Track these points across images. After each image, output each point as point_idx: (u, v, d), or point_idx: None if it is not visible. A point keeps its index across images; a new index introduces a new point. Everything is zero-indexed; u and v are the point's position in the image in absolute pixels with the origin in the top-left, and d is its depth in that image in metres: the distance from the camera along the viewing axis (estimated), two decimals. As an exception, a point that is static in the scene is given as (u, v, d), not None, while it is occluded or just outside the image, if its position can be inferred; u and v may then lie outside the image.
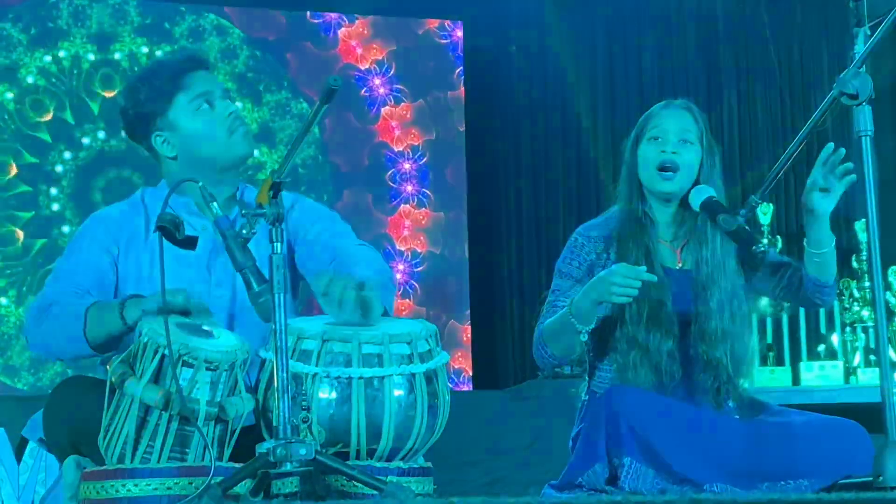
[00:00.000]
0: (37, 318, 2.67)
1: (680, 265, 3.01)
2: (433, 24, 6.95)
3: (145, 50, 6.42)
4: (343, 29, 6.79)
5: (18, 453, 4.64)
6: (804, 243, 2.98)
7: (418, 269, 6.76)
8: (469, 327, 6.76)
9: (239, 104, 2.77)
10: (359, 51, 6.82)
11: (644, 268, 2.73)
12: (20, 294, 6.12)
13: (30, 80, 6.24)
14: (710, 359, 2.91)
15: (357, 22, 6.81)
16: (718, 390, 2.92)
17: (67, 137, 6.29)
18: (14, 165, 6.20)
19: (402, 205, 6.79)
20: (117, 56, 6.39)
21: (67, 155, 6.27)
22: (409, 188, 6.82)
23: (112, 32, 6.40)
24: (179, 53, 2.91)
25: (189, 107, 2.78)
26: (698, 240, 2.98)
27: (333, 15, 6.79)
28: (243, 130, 2.79)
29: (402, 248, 6.76)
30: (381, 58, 6.83)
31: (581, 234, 3.02)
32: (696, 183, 2.98)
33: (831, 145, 2.82)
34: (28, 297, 6.05)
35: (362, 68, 6.80)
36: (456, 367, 6.62)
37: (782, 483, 2.70)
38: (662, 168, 2.94)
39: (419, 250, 6.77)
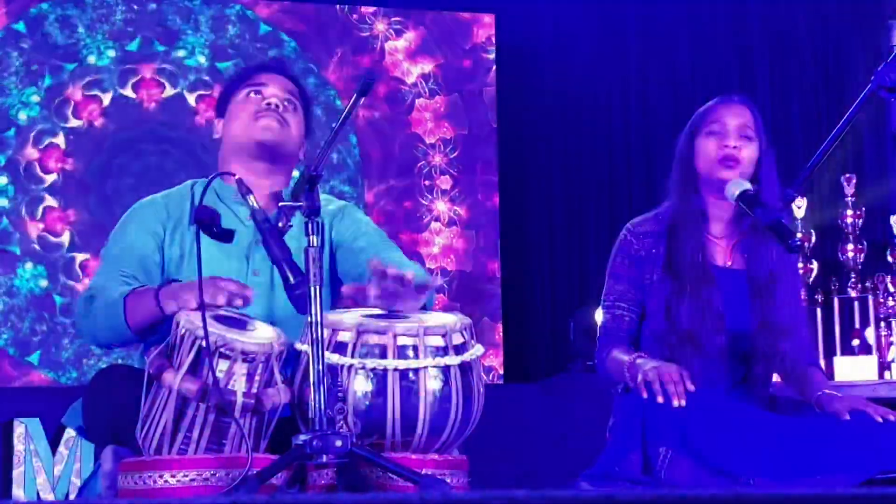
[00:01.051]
0: (84, 309, 2.71)
1: (728, 264, 3.00)
2: (481, 37, 6.93)
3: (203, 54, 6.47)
4: (390, 42, 6.81)
5: (53, 444, 4.68)
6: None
7: (448, 278, 6.75)
8: (500, 325, 6.75)
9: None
10: (405, 65, 6.84)
11: (693, 388, 2.70)
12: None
13: (91, 59, 6.32)
14: (776, 352, 2.92)
15: (404, 36, 6.82)
16: (767, 382, 2.94)
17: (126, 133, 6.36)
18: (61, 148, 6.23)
19: (434, 223, 6.79)
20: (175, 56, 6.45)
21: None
22: (441, 206, 6.81)
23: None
24: (269, 61, 3.04)
25: (242, 94, 2.89)
26: (760, 236, 2.98)
27: (381, 28, 6.80)
28: (271, 118, 2.83)
29: (433, 266, 6.76)
30: (427, 72, 6.85)
31: (630, 231, 3.03)
32: (755, 179, 2.97)
33: None
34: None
35: (408, 82, 6.82)
36: (486, 364, 6.61)
37: (819, 477, 2.69)
38: (724, 161, 2.94)
39: (449, 269, 6.76)
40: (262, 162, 2.83)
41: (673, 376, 2.69)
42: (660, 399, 2.66)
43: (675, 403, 2.65)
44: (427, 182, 6.80)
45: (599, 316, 3.09)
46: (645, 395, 2.68)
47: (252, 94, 2.87)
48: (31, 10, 6.19)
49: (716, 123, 2.99)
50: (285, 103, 2.87)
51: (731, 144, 2.96)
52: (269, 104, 2.84)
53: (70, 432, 4.50)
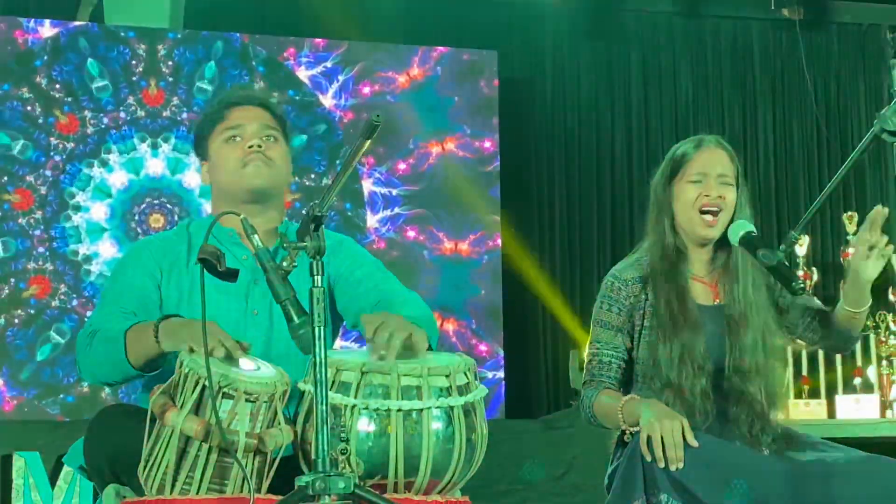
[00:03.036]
0: (84, 347, 2.69)
1: (716, 301, 3.00)
2: (485, 74, 6.96)
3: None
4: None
5: (52, 477, 4.67)
6: (840, 299, 2.98)
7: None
8: (502, 373, 6.74)
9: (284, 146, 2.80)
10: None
11: (697, 444, 2.71)
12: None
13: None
14: (745, 393, 2.91)
15: (409, 72, 6.87)
16: (752, 424, 2.91)
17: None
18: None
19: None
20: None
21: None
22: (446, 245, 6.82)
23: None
24: (237, 89, 2.97)
25: (220, 138, 2.84)
26: (731, 275, 2.98)
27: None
28: (258, 163, 2.79)
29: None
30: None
31: (616, 278, 3.00)
32: (731, 220, 2.98)
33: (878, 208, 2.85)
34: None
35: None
36: (489, 406, 6.59)
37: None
38: (706, 211, 2.93)
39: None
40: (255, 204, 2.80)
41: (675, 436, 2.69)
42: (660, 464, 2.67)
43: (673, 468, 2.67)
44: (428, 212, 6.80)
45: (585, 361, 3.07)
46: (648, 458, 2.69)
47: (232, 139, 2.83)
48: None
49: (697, 172, 2.97)
50: (266, 139, 2.83)
51: (713, 194, 2.96)
52: (251, 146, 2.81)
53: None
